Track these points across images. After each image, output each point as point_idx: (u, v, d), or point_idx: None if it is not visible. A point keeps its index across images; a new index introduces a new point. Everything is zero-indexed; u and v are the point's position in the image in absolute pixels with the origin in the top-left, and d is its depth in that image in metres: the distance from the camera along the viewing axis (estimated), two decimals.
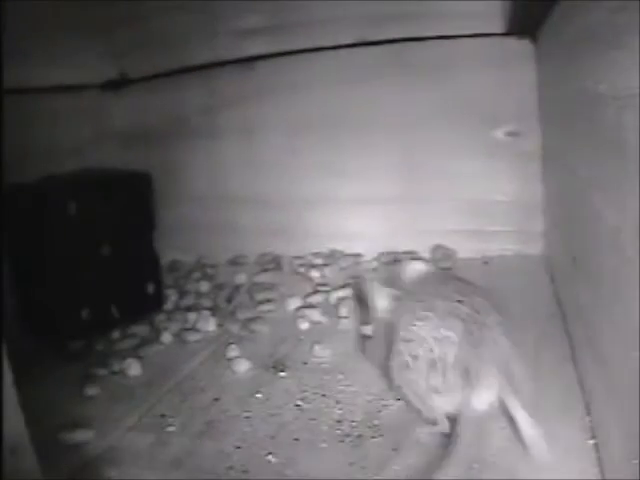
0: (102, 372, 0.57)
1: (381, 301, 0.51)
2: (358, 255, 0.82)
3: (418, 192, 0.80)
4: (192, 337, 0.64)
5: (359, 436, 0.44)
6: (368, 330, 0.54)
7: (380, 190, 0.81)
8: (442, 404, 0.42)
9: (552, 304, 0.62)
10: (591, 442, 0.39)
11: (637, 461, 0.28)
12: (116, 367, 0.58)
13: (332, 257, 0.82)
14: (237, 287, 0.77)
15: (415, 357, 0.42)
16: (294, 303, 0.68)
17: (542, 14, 0.60)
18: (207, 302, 0.72)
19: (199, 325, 0.66)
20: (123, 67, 0.87)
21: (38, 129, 0.73)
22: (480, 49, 0.74)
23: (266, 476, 0.40)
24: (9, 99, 0.64)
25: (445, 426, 0.42)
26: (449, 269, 0.75)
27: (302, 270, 0.80)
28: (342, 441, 0.43)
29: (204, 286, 0.78)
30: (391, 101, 0.79)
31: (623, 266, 0.31)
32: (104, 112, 0.87)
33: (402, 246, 0.81)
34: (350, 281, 0.74)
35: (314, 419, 0.46)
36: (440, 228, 0.80)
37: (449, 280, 0.51)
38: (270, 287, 0.75)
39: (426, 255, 0.80)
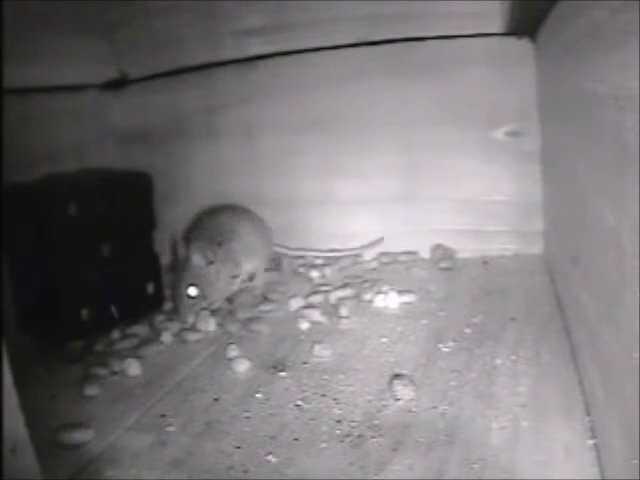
0: (102, 372, 0.57)
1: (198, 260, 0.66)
2: (358, 255, 0.82)
3: (418, 192, 0.80)
4: (192, 337, 0.64)
5: (359, 436, 0.44)
6: (193, 291, 0.66)
7: (380, 190, 0.81)
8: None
9: (552, 304, 0.62)
10: (591, 442, 0.39)
11: (637, 461, 0.28)
12: (116, 367, 0.58)
13: (332, 257, 0.82)
14: None
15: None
16: (295, 303, 0.69)
17: (542, 14, 0.60)
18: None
19: (199, 325, 0.66)
20: (123, 67, 0.87)
21: (38, 129, 0.73)
22: (480, 49, 0.74)
23: (266, 476, 0.40)
24: (9, 99, 0.64)
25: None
26: (449, 269, 0.76)
27: (302, 270, 0.80)
28: (342, 441, 0.43)
29: None
30: (391, 101, 0.79)
31: (623, 266, 0.31)
32: (104, 112, 0.87)
33: (402, 246, 0.81)
34: (349, 281, 0.74)
35: (314, 419, 0.46)
36: (440, 228, 0.80)
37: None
38: (270, 287, 0.75)
39: (426, 255, 0.80)
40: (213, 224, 0.72)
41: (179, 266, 0.68)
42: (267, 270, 0.77)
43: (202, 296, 0.66)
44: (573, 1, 0.44)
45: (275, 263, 0.82)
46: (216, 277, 0.67)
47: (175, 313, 0.68)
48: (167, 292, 0.74)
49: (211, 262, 0.67)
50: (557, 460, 0.38)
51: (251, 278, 0.74)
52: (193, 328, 0.65)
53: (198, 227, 0.73)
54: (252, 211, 0.78)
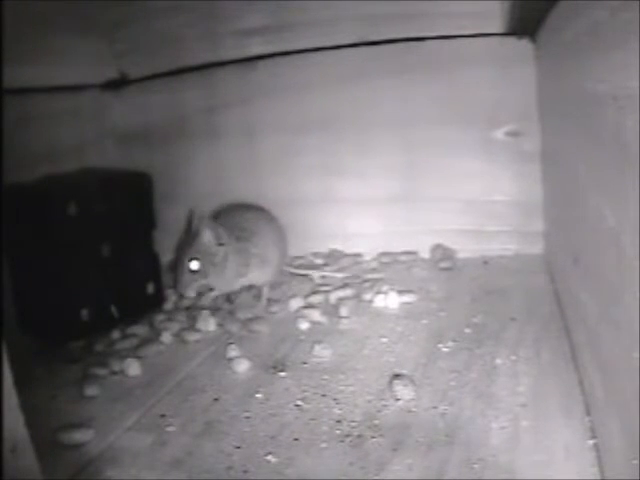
0: (102, 372, 0.57)
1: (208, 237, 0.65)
2: (358, 255, 0.82)
3: (418, 192, 0.80)
4: (192, 337, 0.64)
5: (359, 436, 0.44)
6: (195, 265, 0.64)
7: (380, 190, 0.81)
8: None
9: (552, 304, 0.62)
10: (591, 442, 0.39)
11: (637, 461, 0.28)
12: (116, 367, 0.58)
13: (332, 257, 0.82)
14: None
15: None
16: (295, 303, 0.68)
17: (542, 14, 0.60)
18: (207, 302, 0.72)
19: (199, 325, 0.66)
20: (123, 67, 0.87)
21: (38, 129, 0.73)
22: (480, 49, 0.74)
23: (266, 476, 0.40)
24: (9, 99, 0.64)
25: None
26: (449, 269, 0.76)
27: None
28: (342, 441, 0.43)
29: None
30: (391, 101, 0.79)
31: (623, 266, 0.31)
32: (104, 112, 0.87)
33: (402, 246, 0.81)
34: (349, 281, 0.74)
35: (314, 419, 0.46)
36: (440, 228, 0.80)
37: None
38: (271, 287, 0.75)
39: (426, 255, 0.80)
40: (237, 220, 0.70)
41: (189, 239, 0.66)
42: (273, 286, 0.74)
43: (203, 273, 0.65)
44: (573, 1, 0.44)
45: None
46: (222, 261, 0.65)
47: (174, 285, 0.67)
48: (171, 263, 0.73)
49: (221, 244, 0.65)
50: (557, 460, 0.38)
51: (258, 291, 0.72)
52: (193, 328, 0.66)
53: (222, 216, 0.71)
54: (278, 223, 0.74)
